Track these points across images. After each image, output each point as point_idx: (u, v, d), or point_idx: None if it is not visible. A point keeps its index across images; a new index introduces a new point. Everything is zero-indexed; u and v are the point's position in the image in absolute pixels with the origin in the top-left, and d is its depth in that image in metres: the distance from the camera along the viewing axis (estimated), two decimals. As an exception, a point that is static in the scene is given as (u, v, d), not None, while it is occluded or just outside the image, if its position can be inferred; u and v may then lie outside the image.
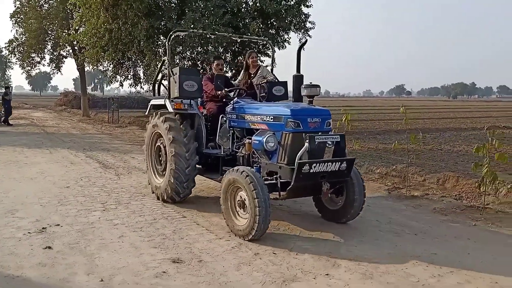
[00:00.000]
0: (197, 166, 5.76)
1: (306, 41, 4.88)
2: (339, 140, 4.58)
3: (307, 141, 4.32)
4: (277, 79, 6.41)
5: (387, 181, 7.79)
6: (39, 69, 24.81)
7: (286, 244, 4.45)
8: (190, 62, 12.96)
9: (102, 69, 15.22)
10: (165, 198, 5.86)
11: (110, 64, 13.97)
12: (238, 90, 6.02)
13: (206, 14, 11.17)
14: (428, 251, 4.29)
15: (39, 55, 22.96)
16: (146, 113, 6.92)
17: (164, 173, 6.00)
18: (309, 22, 13.18)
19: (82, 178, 7.58)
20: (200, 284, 3.48)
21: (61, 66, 23.67)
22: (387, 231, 4.97)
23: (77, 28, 13.57)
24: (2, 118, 18.71)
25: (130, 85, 15.06)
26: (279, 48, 13.48)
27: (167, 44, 6.01)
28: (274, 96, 5.99)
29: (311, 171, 4.28)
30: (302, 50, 5.65)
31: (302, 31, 13.34)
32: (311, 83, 4.95)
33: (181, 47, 11.43)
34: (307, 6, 12.90)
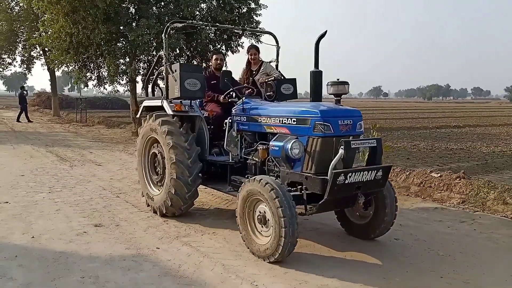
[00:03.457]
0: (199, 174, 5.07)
1: (325, 32, 4.23)
2: (375, 145, 4.00)
3: (342, 147, 3.72)
4: (283, 76, 5.82)
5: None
6: (10, 70, 25.32)
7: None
8: (146, 65, 13.94)
9: (67, 71, 15.98)
10: (164, 212, 5.18)
11: (76, 66, 14.78)
12: (244, 89, 5.34)
13: (161, 20, 12.17)
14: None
15: (10, 56, 23.58)
16: (138, 116, 6.33)
17: (160, 183, 5.38)
18: (260, 28, 14.28)
19: (38, 169, 8.47)
20: (110, 239, 4.52)
21: (32, 67, 24.26)
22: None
23: (44, 31, 14.30)
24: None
25: (94, 86, 15.90)
26: (232, 53, 14.57)
27: (163, 37, 5.32)
28: (282, 95, 5.45)
29: (347, 181, 3.71)
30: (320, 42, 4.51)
31: (254, 36, 14.42)
32: (338, 79, 4.30)
33: (137, 50, 12.33)
34: (257, 15, 14.03)
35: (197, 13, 12.93)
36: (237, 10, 13.70)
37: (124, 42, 12.68)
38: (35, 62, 23.47)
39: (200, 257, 4.08)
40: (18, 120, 21.13)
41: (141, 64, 13.94)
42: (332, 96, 4.33)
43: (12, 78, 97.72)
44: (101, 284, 3.46)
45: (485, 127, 22.08)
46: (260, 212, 3.96)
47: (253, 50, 5.81)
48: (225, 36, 13.97)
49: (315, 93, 4.52)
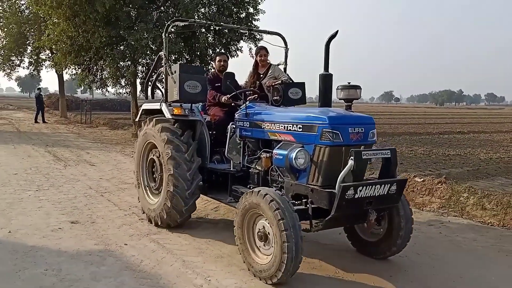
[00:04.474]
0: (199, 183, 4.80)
1: (336, 32, 4.05)
2: (389, 156, 3.67)
3: (352, 157, 3.41)
4: (292, 80, 5.55)
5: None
6: (17, 71, 26.01)
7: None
8: (144, 68, 14.22)
9: (70, 73, 16.41)
10: (159, 223, 4.93)
11: (79, 69, 15.15)
12: (247, 93, 5.10)
13: (158, 26, 12.45)
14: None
15: (18, 58, 24.21)
16: (137, 119, 6.10)
17: (158, 191, 5.10)
18: (257, 33, 14.49)
19: (32, 168, 8.75)
20: (82, 235, 4.72)
21: (41, 69, 24.83)
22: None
23: (48, 34, 14.71)
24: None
25: (97, 88, 16.27)
26: (231, 57, 14.75)
27: (164, 36, 5.05)
28: (290, 99, 5.15)
29: (356, 196, 3.40)
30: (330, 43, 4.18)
31: (253, 41, 14.63)
32: (349, 83, 4.01)
33: (136, 54, 12.59)
34: (255, 20, 14.23)
35: (196, 18, 13.16)
36: (235, 15, 13.90)
37: (123, 46, 12.96)
38: (43, 64, 23.98)
39: (164, 253, 4.25)
40: (44, 121, 21.80)
41: (140, 68, 14.25)
42: (343, 101, 4.12)
43: (27, 80, 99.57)
44: (62, 276, 3.64)
45: (489, 134, 21.80)
46: (260, 228, 3.64)
47: (263, 51, 5.44)
48: (224, 41, 14.17)
49: (324, 98, 4.23)
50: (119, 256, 4.14)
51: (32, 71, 24.40)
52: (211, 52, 14.29)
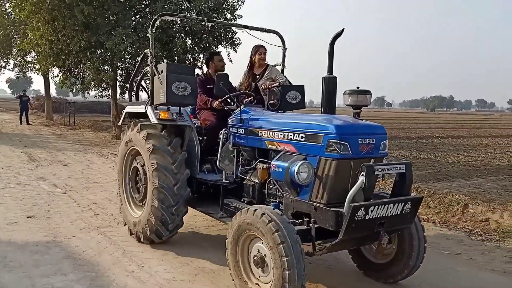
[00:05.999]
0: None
1: (343, 29, 3.50)
2: (404, 171, 3.28)
3: (363, 173, 3.04)
4: (290, 82, 5.15)
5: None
6: (3, 73, 26.19)
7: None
8: (123, 72, 14.52)
9: (52, 76, 16.66)
10: (148, 234, 4.39)
11: (59, 72, 15.44)
12: (242, 96, 4.70)
13: (137, 31, 12.79)
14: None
15: (4, 60, 24.44)
16: (120, 123, 5.92)
17: (142, 202, 4.67)
18: (235, 38, 14.93)
19: (3, 167, 8.99)
20: (34, 228, 5.01)
21: (26, 71, 25.03)
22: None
23: (31, 37, 14.97)
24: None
25: (78, 90, 16.56)
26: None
27: (150, 32, 4.56)
28: (287, 103, 4.80)
29: (367, 217, 3.04)
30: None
31: (231, 46, 15.03)
32: (358, 88, 3.68)
33: (114, 58, 12.89)
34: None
35: (175, 24, 13.50)
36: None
37: (102, 50, 13.26)
38: (29, 67, 24.17)
39: (108, 244, 4.56)
40: (27, 123, 22.08)
41: (119, 71, 14.56)
42: (342, 106, 3.91)
43: (17, 81, 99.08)
44: (5, 263, 3.94)
45: (467, 138, 22.23)
46: (257, 252, 3.20)
47: (263, 49, 5.03)
48: (202, 45, 14.53)
49: (328, 103, 3.83)
50: (64, 246, 4.44)
51: (17, 73, 24.59)
52: (189, 56, 14.64)
